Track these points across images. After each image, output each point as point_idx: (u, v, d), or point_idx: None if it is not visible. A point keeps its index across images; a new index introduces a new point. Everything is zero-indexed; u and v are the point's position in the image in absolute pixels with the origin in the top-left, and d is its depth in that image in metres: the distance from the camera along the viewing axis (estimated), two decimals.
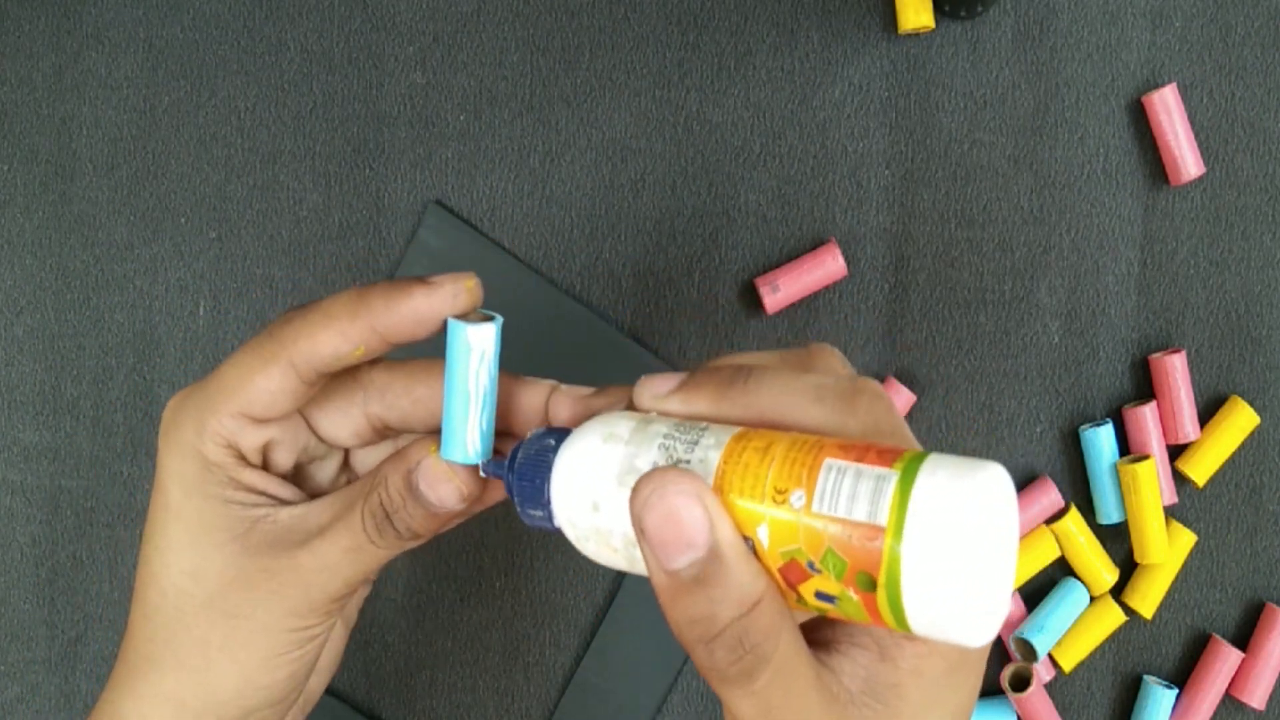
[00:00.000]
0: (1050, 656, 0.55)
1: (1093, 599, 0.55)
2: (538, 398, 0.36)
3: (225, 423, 0.35)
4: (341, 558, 0.36)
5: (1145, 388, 0.55)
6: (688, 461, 0.30)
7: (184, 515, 0.36)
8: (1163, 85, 0.54)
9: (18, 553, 0.56)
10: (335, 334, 0.34)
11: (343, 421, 0.38)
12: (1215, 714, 0.55)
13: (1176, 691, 0.54)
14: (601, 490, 0.31)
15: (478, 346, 0.34)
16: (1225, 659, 0.54)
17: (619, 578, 0.55)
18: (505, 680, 0.56)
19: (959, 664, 0.31)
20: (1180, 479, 0.55)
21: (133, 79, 0.55)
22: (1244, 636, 0.55)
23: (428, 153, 0.55)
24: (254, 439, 0.36)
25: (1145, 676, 0.55)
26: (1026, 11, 0.55)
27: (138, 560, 0.37)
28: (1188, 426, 0.54)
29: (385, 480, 0.36)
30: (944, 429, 0.55)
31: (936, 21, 0.55)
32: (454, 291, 0.34)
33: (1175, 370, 0.54)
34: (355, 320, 0.34)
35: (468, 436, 0.35)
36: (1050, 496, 0.54)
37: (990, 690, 0.55)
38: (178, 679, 0.36)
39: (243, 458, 0.36)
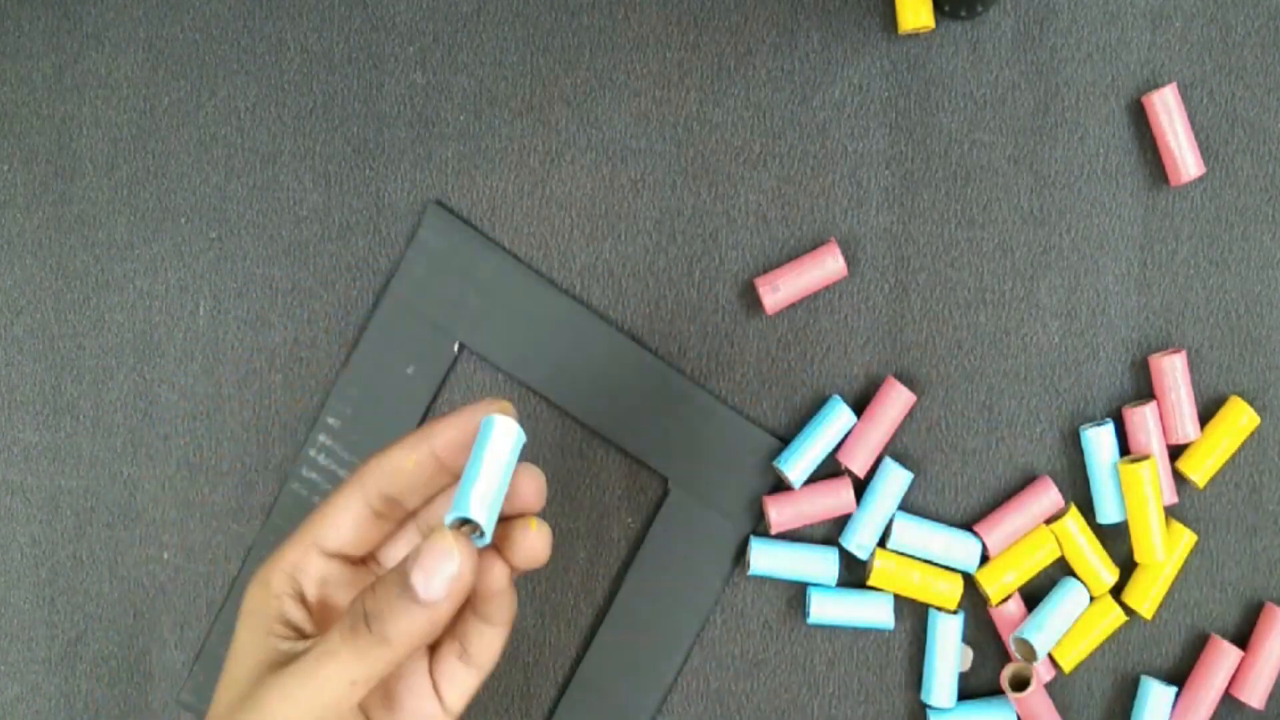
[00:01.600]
0: (1050, 656, 0.55)
1: (1093, 599, 0.55)
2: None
3: (296, 552, 0.40)
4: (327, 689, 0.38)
5: (1145, 388, 0.55)
6: None
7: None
8: (1163, 85, 0.54)
9: (18, 553, 0.56)
10: (404, 449, 0.39)
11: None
12: (1215, 713, 0.55)
13: (1176, 691, 0.54)
14: None
15: (514, 433, 0.38)
16: (1225, 658, 0.54)
17: (619, 578, 0.55)
18: (505, 680, 0.56)
19: None
20: (1180, 479, 0.55)
21: (133, 79, 0.55)
22: (1244, 636, 0.55)
23: (428, 153, 0.55)
24: (316, 571, 0.40)
25: (1145, 676, 0.55)
26: (1026, 11, 0.55)
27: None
28: (1188, 426, 0.54)
29: (374, 585, 0.37)
30: (944, 429, 0.55)
31: (936, 21, 0.55)
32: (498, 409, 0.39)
33: (1175, 370, 0.54)
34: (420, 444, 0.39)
35: (490, 509, 0.37)
36: (1050, 496, 0.54)
37: (990, 690, 0.55)
38: None
39: (300, 595, 0.40)
